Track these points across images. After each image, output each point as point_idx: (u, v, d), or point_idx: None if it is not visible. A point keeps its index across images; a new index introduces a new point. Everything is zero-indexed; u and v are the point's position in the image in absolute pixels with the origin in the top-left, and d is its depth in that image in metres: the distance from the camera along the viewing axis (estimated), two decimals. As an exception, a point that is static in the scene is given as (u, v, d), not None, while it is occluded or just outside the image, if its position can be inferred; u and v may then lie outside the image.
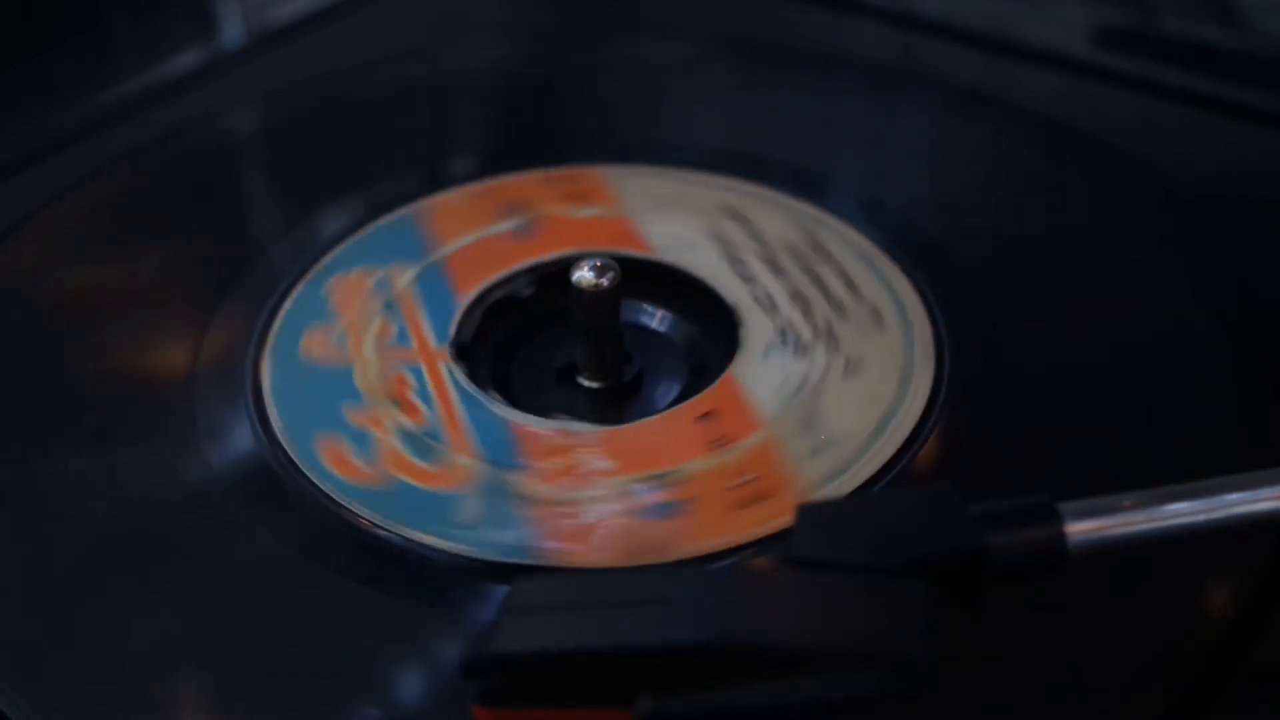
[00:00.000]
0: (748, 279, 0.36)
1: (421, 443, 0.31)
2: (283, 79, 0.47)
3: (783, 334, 0.34)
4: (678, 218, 0.38)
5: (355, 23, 0.51)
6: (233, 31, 0.51)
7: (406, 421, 0.32)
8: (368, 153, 0.43)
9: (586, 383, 0.35)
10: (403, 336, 0.34)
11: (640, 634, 0.22)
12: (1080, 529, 0.24)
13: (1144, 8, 0.48)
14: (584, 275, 0.33)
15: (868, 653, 0.22)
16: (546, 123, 0.44)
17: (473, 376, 0.33)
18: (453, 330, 0.35)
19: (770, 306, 0.35)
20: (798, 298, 0.35)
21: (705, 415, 0.32)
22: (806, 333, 0.34)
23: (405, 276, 0.36)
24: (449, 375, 0.33)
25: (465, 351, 0.34)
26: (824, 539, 0.24)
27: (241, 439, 0.32)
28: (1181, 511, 0.24)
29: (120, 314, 0.36)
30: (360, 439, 0.31)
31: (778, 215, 0.38)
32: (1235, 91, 0.44)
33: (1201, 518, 0.24)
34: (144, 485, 0.31)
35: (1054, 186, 0.40)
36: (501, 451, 0.31)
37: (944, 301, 0.35)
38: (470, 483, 0.30)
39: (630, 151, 0.41)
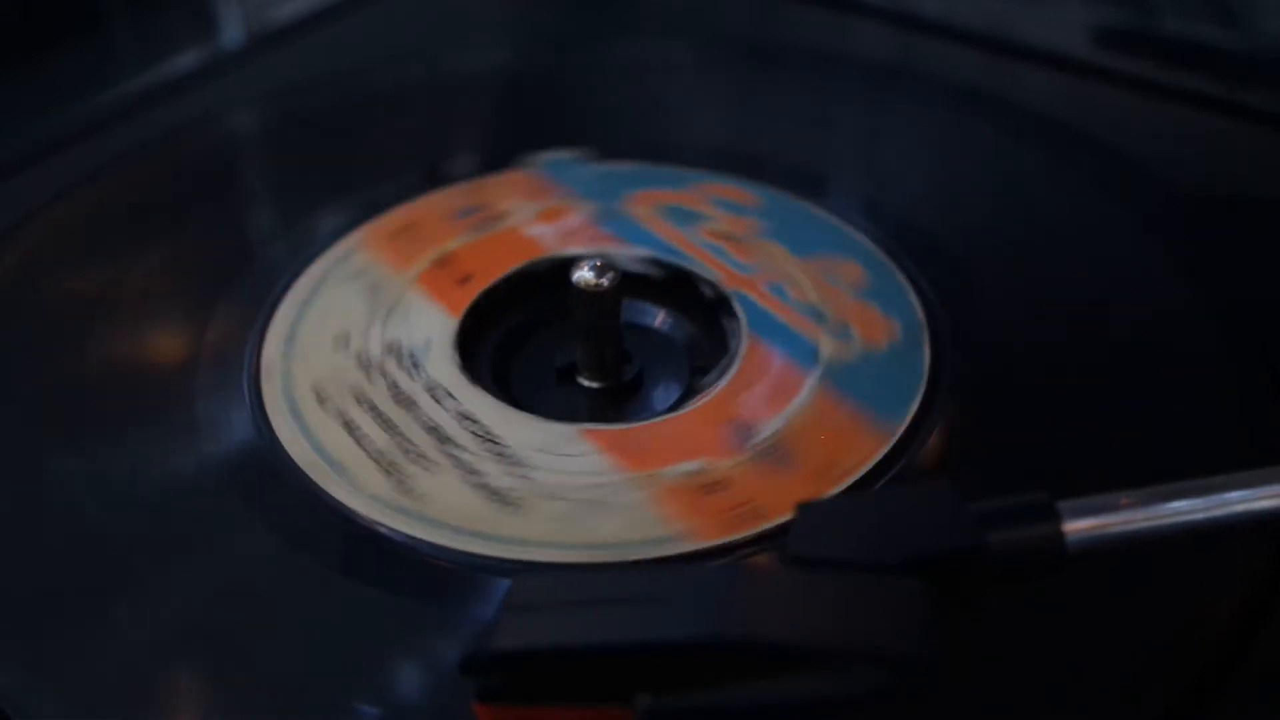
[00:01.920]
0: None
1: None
2: (283, 79, 0.47)
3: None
4: None
5: (355, 23, 0.51)
6: (233, 31, 0.51)
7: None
8: (367, 153, 0.43)
9: (586, 383, 0.35)
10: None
11: (640, 631, 0.22)
12: (1079, 527, 0.24)
13: (1144, 8, 0.48)
14: (584, 275, 0.33)
15: (867, 651, 0.22)
16: (546, 123, 0.44)
17: (473, 376, 0.33)
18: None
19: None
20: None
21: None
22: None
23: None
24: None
25: (466, 350, 0.35)
26: (824, 537, 0.24)
27: (242, 435, 0.32)
28: (1180, 510, 0.24)
29: (120, 313, 0.36)
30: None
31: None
32: (1235, 91, 0.44)
33: (1201, 516, 0.24)
34: (144, 481, 0.31)
35: (1054, 186, 0.40)
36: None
37: (943, 301, 0.35)
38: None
39: (629, 151, 0.41)
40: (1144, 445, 0.31)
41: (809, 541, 0.24)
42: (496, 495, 0.30)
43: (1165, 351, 0.34)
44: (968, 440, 0.31)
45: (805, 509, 0.25)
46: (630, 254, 0.37)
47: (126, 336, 0.35)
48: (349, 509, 0.30)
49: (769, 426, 0.31)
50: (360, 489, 0.30)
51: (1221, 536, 0.25)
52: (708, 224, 0.38)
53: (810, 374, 0.33)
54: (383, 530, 0.29)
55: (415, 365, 0.33)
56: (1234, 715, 0.26)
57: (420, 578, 0.28)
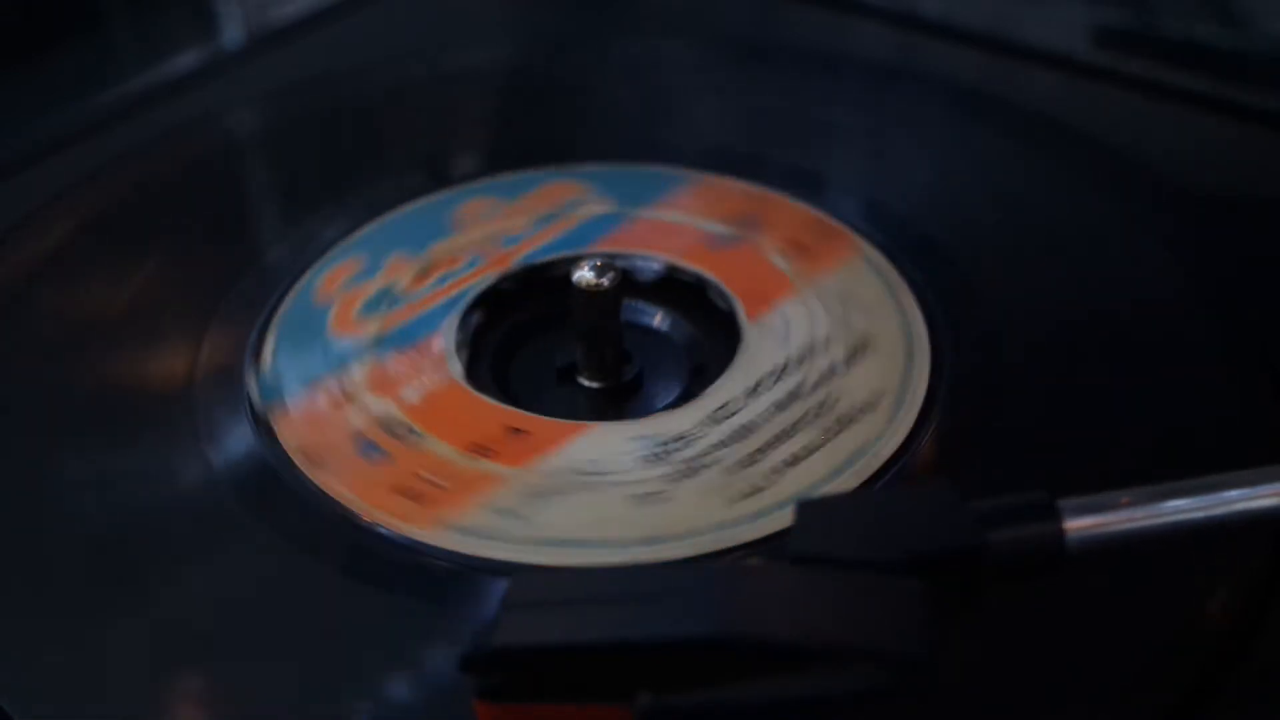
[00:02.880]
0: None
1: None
2: (283, 79, 0.47)
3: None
4: None
5: (355, 23, 0.51)
6: (233, 31, 0.51)
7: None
8: (367, 153, 0.43)
9: (586, 383, 0.35)
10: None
11: (640, 629, 0.22)
12: (1079, 526, 0.24)
13: (1144, 8, 0.48)
14: (584, 275, 0.33)
15: (867, 649, 0.22)
16: (546, 123, 0.44)
17: (473, 375, 0.33)
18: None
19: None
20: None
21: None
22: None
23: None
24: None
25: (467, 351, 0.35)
26: (824, 536, 0.24)
27: (241, 439, 0.32)
28: (1181, 508, 0.24)
29: (121, 314, 0.36)
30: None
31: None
32: (1235, 91, 0.44)
33: (1201, 515, 0.24)
34: (144, 487, 0.31)
35: (1054, 186, 0.40)
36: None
37: (942, 300, 0.35)
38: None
39: (629, 151, 0.41)
40: (1144, 445, 0.31)
41: (809, 540, 0.24)
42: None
43: (1165, 351, 0.34)
44: (968, 439, 0.31)
45: (806, 507, 0.25)
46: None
47: (126, 337, 0.35)
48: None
49: None
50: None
51: (1221, 535, 0.25)
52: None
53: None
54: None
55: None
56: (1234, 715, 0.26)
57: (421, 577, 0.28)
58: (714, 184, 0.39)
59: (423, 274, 0.36)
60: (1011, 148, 0.42)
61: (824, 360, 0.33)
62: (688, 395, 0.34)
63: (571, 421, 0.32)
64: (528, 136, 0.43)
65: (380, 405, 0.32)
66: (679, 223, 0.38)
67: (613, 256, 0.35)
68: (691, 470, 0.30)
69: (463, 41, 0.49)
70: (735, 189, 0.39)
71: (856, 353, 0.33)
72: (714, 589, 0.23)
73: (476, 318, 0.35)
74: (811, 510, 0.25)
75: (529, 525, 0.29)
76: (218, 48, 0.51)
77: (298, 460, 0.31)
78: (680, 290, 0.37)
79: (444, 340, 0.34)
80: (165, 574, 0.29)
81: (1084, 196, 0.39)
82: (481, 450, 0.31)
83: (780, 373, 0.33)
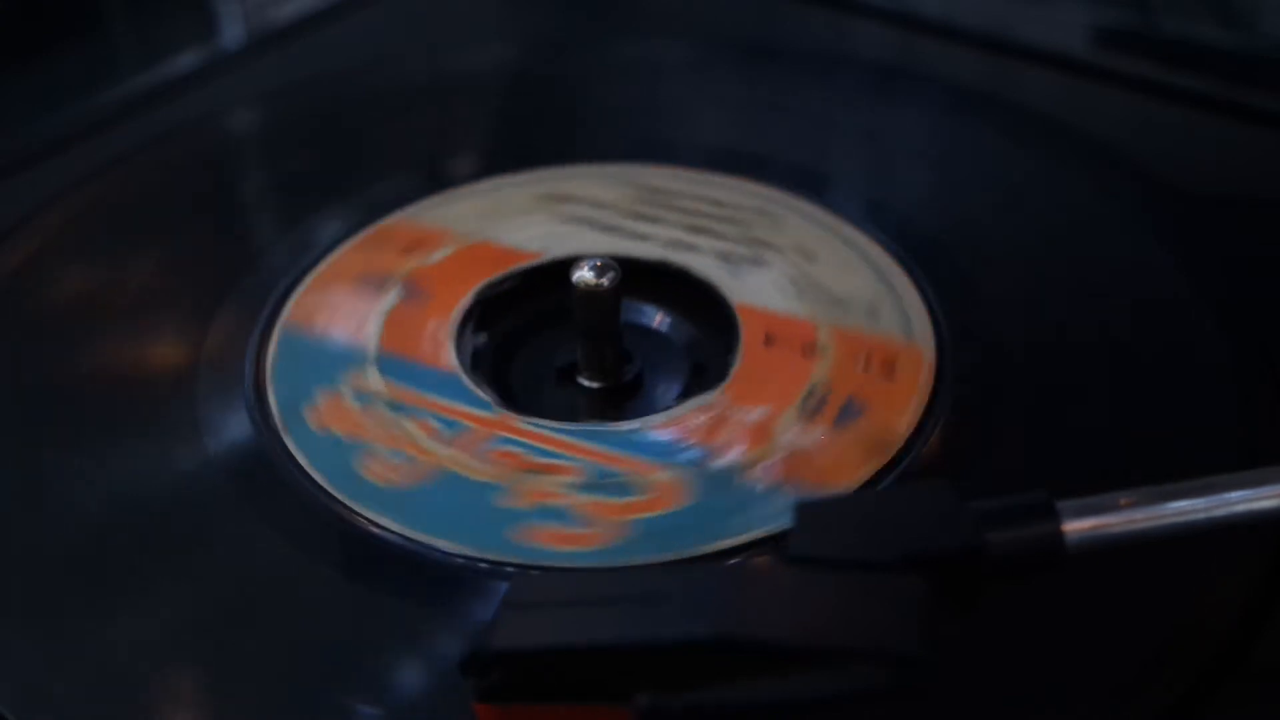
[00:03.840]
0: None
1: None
2: (283, 79, 0.47)
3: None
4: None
5: (355, 23, 0.51)
6: (233, 31, 0.51)
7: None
8: (367, 153, 0.43)
9: (587, 383, 0.35)
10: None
11: (639, 630, 0.22)
12: (1078, 527, 0.24)
13: (1144, 8, 0.48)
14: (584, 275, 0.33)
15: (865, 649, 0.22)
16: (546, 123, 0.44)
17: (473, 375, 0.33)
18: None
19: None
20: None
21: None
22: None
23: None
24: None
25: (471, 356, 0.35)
26: (822, 536, 0.24)
27: (242, 436, 0.32)
28: (1180, 509, 0.24)
29: (121, 313, 0.36)
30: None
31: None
32: (1235, 91, 0.44)
33: (1200, 515, 0.24)
34: (145, 482, 0.31)
35: (1054, 186, 0.40)
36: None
37: (943, 300, 0.35)
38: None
39: (629, 151, 0.41)
40: (1144, 445, 0.31)
41: (808, 540, 0.24)
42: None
43: (1165, 351, 0.34)
44: (967, 439, 0.31)
45: (804, 508, 0.25)
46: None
47: (127, 337, 0.35)
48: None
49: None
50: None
51: (1222, 536, 0.25)
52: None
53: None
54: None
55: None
56: (1234, 715, 0.26)
57: (420, 576, 0.28)
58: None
59: None
60: (1011, 148, 0.42)
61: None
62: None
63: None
64: (527, 136, 0.43)
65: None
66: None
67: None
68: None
69: (461, 42, 0.49)
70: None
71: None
72: (713, 590, 0.23)
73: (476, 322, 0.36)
74: (810, 511, 0.25)
75: None
76: (218, 48, 0.51)
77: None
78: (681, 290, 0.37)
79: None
80: (166, 572, 0.29)
81: (1084, 196, 0.39)
82: None
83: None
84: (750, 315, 0.34)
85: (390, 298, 0.35)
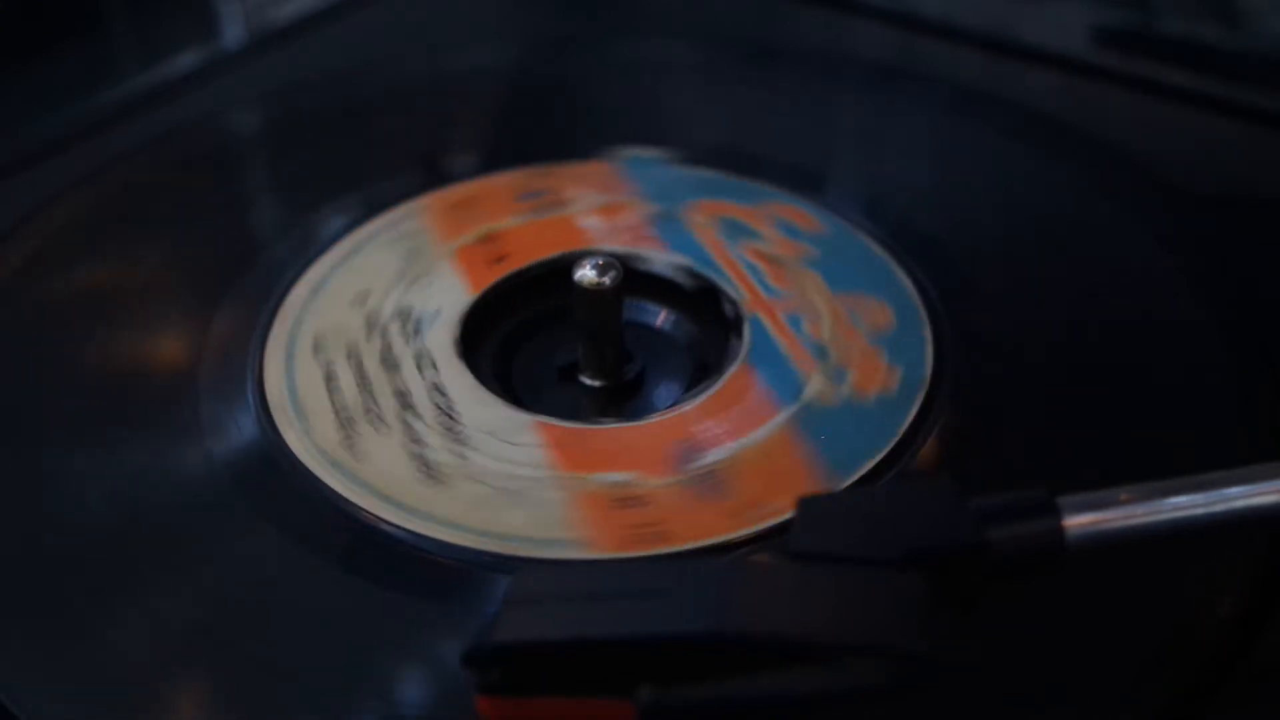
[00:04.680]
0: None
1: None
2: (283, 79, 0.47)
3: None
4: None
5: (355, 23, 0.51)
6: (233, 31, 0.51)
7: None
8: (367, 152, 0.43)
9: (588, 381, 0.35)
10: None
11: (641, 625, 0.22)
12: (1079, 522, 0.24)
13: (1144, 8, 0.48)
14: (586, 274, 0.33)
15: (867, 644, 0.22)
16: (546, 122, 0.44)
17: (465, 353, 0.34)
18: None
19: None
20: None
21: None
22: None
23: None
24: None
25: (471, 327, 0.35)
26: (824, 532, 0.24)
27: (244, 433, 0.32)
28: (1181, 505, 0.24)
29: (122, 313, 0.36)
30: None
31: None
32: (1235, 91, 0.44)
33: (1201, 511, 0.24)
34: (148, 479, 0.31)
35: (1054, 186, 0.40)
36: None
37: (944, 299, 0.35)
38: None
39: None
40: (1144, 443, 0.31)
41: (809, 536, 0.24)
42: (427, 468, 0.30)
43: (1165, 350, 0.34)
44: (968, 436, 0.31)
45: (806, 504, 0.25)
46: (666, 259, 0.37)
47: (128, 337, 0.35)
48: (293, 455, 0.30)
49: (715, 454, 0.31)
50: (311, 438, 0.31)
51: (1222, 532, 0.25)
52: (758, 243, 0.37)
53: (784, 410, 0.32)
54: (319, 485, 0.30)
55: (416, 331, 0.34)
56: (1234, 715, 0.26)
57: (423, 572, 0.28)
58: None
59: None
60: (1011, 148, 0.42)
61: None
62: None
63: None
64: (527, 136, 0.43)
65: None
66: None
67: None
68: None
69: (462, 41, 0.49)
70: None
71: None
72: (715, 585, 0.23)
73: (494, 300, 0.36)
74: (812, 507, 0.25)
75: None
76: (218, 48, 0.51)
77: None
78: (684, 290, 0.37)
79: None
80: (167, 570, 0.29)
81: (1084, 196, 0.39)
82: None
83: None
84: None
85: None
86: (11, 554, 0.30)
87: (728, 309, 0.35)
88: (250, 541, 0.29)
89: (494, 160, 0.41)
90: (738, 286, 0.36)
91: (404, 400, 0.32)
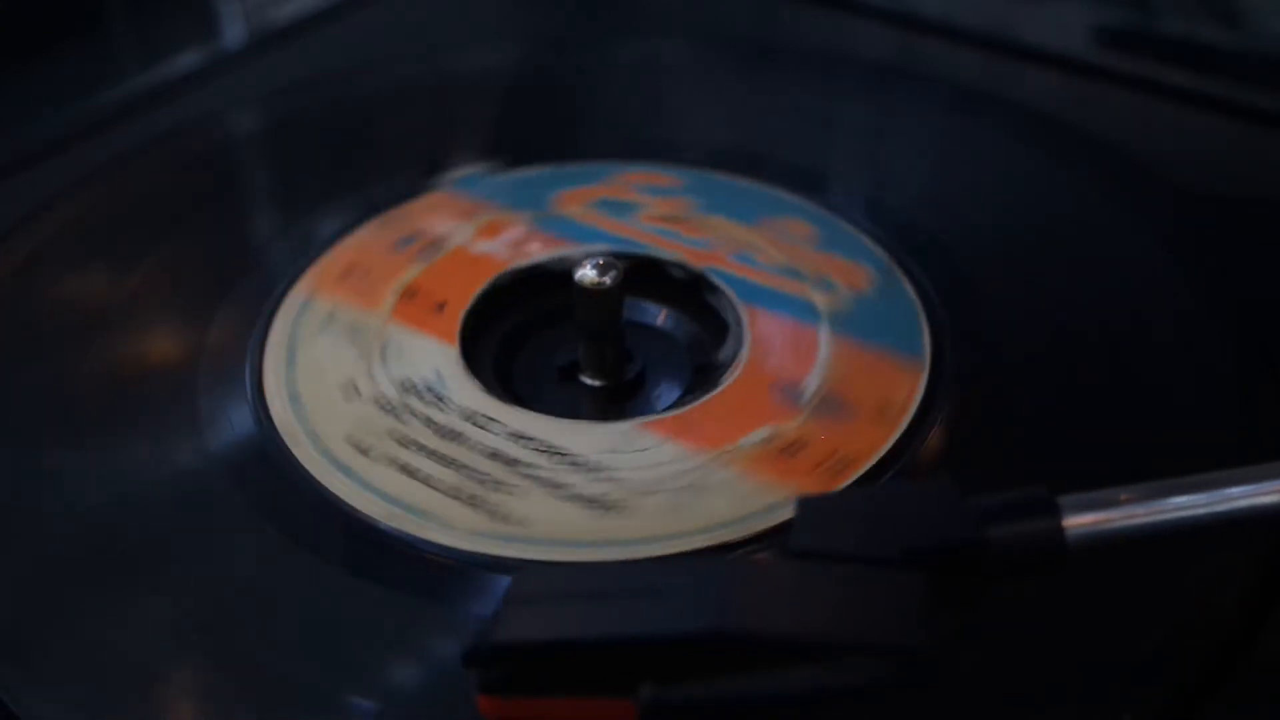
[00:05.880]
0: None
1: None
2: (283, 79, 0.47)
3: None
4: None
5: (355, 23, 0.51)
6: (233, 31, 0.51)
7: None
8: (367, 152, 0.43)
9: (588, 381, 0.35)
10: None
11: (642, 624, 0.22)
12: (1079, 522, 0.24)
13: (1144, 8, 0.48)
14: (586, 273, 0.33)
15: (866, 643, 0.22)
16: (546, 122, 0.44)
17: (502, 396, 0.33)
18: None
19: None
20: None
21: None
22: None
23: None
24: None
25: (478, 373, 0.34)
26: (824, 531, 0.24)
27: (243, 433, 0.32)
28: (1182, 505, 0.24)
29: (122, 313, 0.36)
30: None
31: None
32: (1235, 91, 0.44)
33: (1202, 511, 0.24)
34: (146, 479, 0.31)
35: (1054, 186, 0.40)
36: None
37: (944, 298, 0.35)
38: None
39: (629, 151, 0.41)
40: (1144, 443, 0.31)
41: (810, 535, 0.24)
42: (594, 503, 0.30)
43: (1165, 350, 0.34)
44: (968, 436, 0.31)
45: (806, 503, 0.25)
46: (588, 251, 0.36)
47: (126, 338, 0.35)
48: (452, 549, 0.29)
49: (811, 382, 0.32)
50: (455, 528, 0.29)
51: (1223, 532, 0.25)
52: (644, 210, 0.37)
53: (819, 327, 0.33)
54: (490, 559, 0.28)
55: (439, 398, 0.32)
56: (1234, 715, 0.26)
57: (422, 571, 0.28)
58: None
59: None
60: (1011, 148, 0.42)
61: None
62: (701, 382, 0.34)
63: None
64: (527, 136, 0.43)
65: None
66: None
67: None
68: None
69: (463, 41, 0.49)
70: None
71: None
72: (715, 584, 0.23)
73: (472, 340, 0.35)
74: (812, 506, 0.25)
75: None
76: (218, 48, 0.51)
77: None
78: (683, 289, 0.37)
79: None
80: (167, 568, 0.29)
81: (1084, 196, 0.40)
82: None
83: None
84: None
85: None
86: (11, 554, 0.30)
87: (676, 273, 0.36)
88: (249, 539, 0.29)
89: (493, 161, 0.41)
90: (668, 251, 0.36)
91: (504, 459, 0.31)
